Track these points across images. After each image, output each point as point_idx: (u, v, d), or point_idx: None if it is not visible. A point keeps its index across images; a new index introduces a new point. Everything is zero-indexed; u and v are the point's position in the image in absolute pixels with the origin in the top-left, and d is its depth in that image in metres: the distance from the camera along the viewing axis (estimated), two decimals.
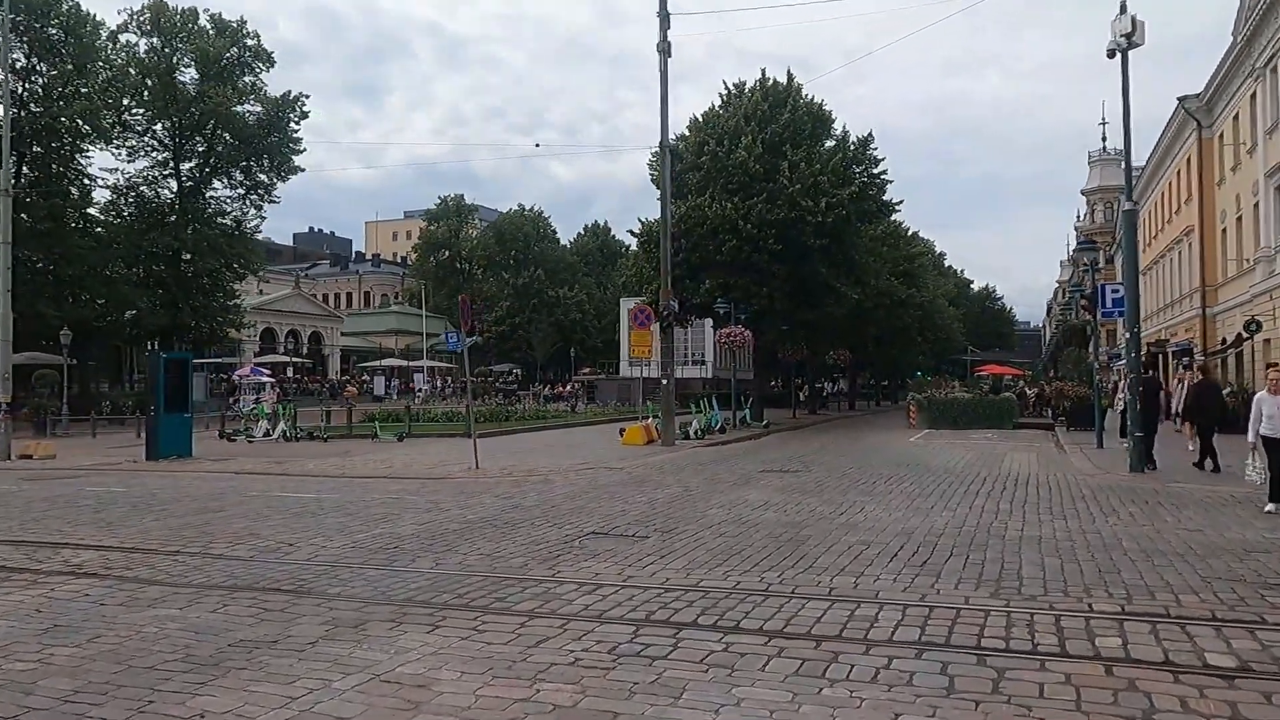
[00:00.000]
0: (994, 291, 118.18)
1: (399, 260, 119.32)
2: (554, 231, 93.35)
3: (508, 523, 10.24)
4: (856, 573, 7.39)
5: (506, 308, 78.93)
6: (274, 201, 48.63)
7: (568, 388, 53.29)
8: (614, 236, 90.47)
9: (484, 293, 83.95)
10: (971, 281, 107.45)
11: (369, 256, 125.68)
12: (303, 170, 48.84)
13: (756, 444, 25.13)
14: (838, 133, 34.73)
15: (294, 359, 53.53)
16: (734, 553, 8.30)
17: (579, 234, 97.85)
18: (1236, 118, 34.47)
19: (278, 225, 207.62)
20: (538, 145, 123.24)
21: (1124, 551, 8.11)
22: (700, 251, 32.71)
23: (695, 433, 26.20)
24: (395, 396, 56.76)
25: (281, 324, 68.61)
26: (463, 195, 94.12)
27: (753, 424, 32.19)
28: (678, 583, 7.07)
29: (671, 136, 36.25)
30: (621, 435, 24.50)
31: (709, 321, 39.04)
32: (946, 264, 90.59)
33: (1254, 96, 31.72)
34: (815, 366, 49.64)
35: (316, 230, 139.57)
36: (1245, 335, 30.78)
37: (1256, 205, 31.64)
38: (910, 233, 55.31)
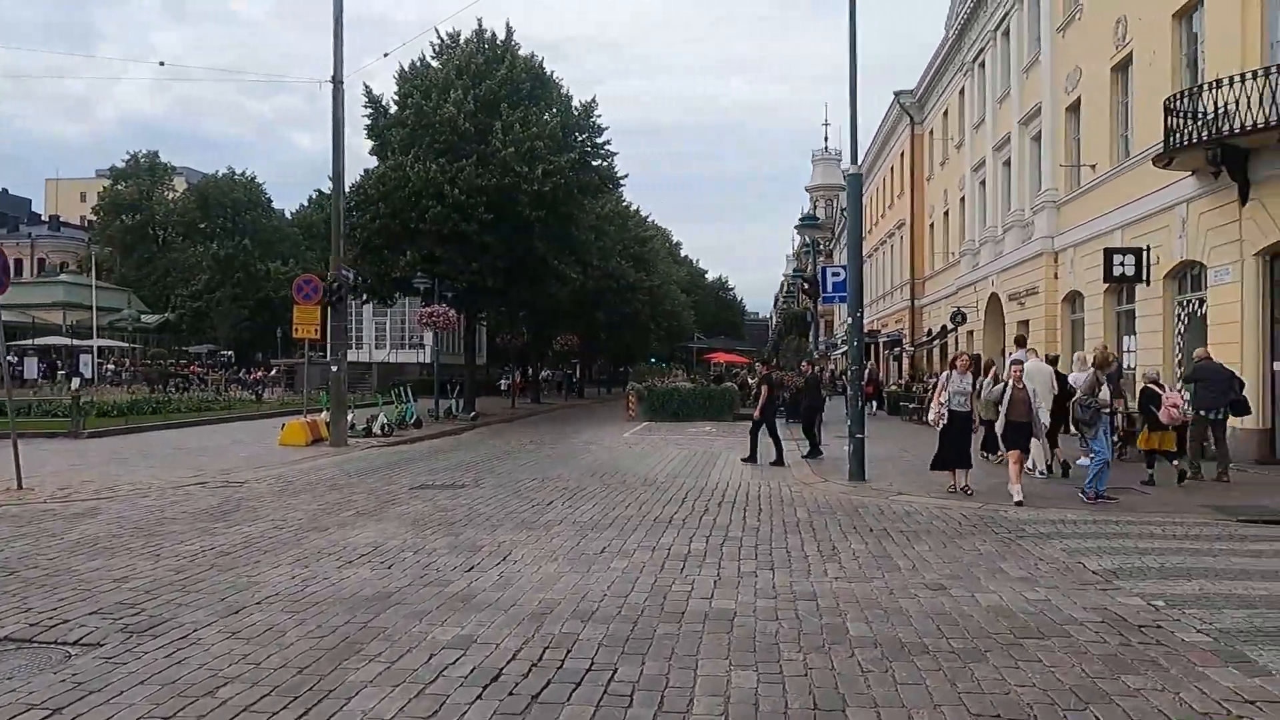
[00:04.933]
0: (726, 281, 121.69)
1: (85, 224, 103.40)
2: (269, 199, 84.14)
3: None
4: None
5: (205, 281, 69.53)
6: None
7: (259, 373, 46.68)
8: None
9: (181, 263, 73.84)
10: (706, 271, 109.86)
11: (46, 218, 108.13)
12: None
13: (449, 442, 21.46)
14: (561, 96, 31.63)
15: None
16: (212, 688, 4.62)
17: (302, 205, 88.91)
18: (946, 113, 35.13)
19: None
20: (161, 64, 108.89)
21: (850, 647, 5.28)
22: (401, 218, 28.43)
23: (382, 428, 22.08)
24: (45, 380, 47.23)
25: None
26: (157, 152, 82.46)
27: (459, 416, 28.50)
28: None
29: (383, 90, 31.82)
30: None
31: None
32: (682, 253, 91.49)
33: (963, 92, 32.17)
34: (540, 351, 46.69)
35: None
36: (950, 327, 31.19)
37: (963, 199, 32.18)
38: (641, 216, 53.79)
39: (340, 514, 10.17)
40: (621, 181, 34.64)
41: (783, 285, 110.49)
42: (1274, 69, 13.32)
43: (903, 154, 41.71)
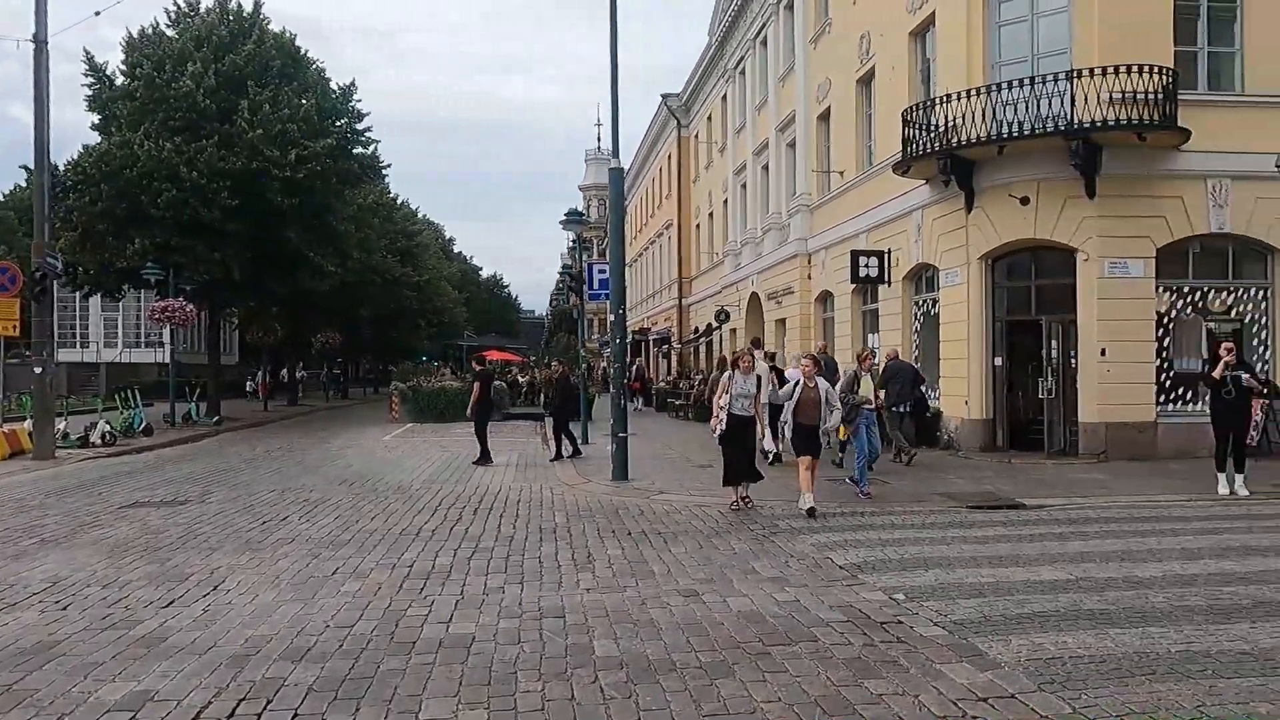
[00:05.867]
0: (501, 279, 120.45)
1: None
2: None
3: None
4: None
5: None
6: None
7: None
8: None
9: None
10: (480, 268, 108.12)
11: None
12: None
13: (184, 451, 19.37)
14: (318, 77, 29.57)
15: None
16: None
17: (18, 185, 78.40)
18: (710, 118, 36.20)
19: None
20: None
21: (594, 670, 4.88)
22: (129, 201, 25.47)
23: (103, 437, 19.61)
24: None
25: None
26: None
27: (200, 421, 25.98)
28: None
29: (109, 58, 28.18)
30: None
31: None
32: (455, 249, 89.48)
33: (725, 98, 33.26)
34: (298, 350, 43.79)
35: None
36: (715, 325, 32.17)
37: (726, 202, 33.27)
38: (410, 209, 51.89)
39: (20, 542, 8.62)
40: (385, 170, 33.03)
41: (558, 283, 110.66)
42: (994, 88, 14.47)
43: (670, 156, 42.64)
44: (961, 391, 15.89)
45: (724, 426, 10.17)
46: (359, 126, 29.85)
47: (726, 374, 10.59)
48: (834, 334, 22.02)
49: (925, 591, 6.43)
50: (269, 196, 26.03)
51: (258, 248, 27.07)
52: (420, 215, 59.18)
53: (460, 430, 23.51)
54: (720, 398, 10.32)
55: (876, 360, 14.99)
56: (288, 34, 29.08)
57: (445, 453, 17.66)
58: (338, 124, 29.12)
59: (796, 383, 10.20)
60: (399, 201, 48.42)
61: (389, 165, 32.57)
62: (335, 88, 29.51)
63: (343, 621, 5.83)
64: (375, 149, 31.23)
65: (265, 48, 27.73)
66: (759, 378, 10.51)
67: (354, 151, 29.91)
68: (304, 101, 27.73)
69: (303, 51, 29.23)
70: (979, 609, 5.95)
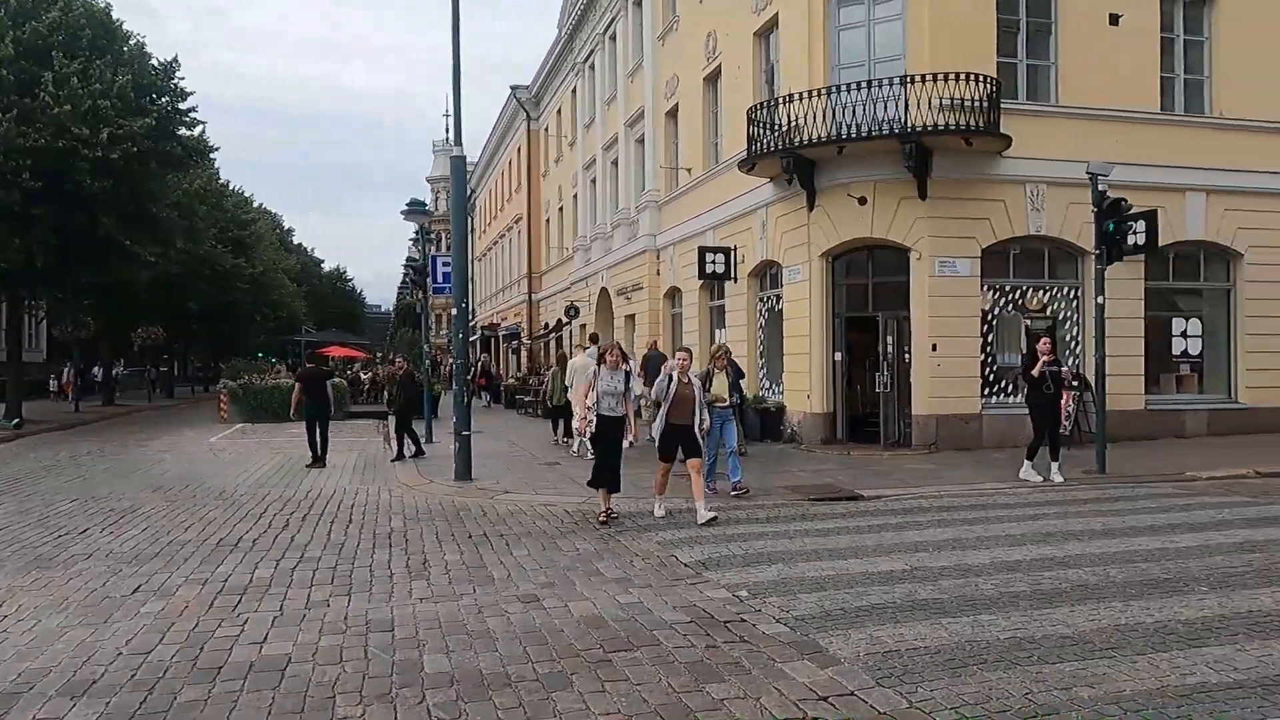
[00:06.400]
0: (345, 272, 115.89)
1: None
2: None
3: None
4: None
5: None
6: None
7: None
8: None
9: None
10: (322, 261, 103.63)
11: None
12: None
13: None
14: (137, 51, 27.32)
15: None
16: None
17: None
18: (560, 111, 35.87)
19: None
20: None
21: (422, 689, 4.52)
22: None
23: None
24: None
25: None
26: None
27: None
28: None
29: None
30: None
31: None
32: (295, 241, 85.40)
33: (575, 92, 33.01)
34: (116, 346, 40.60)
35: None
36: (565, 320, 31.92)
37: (576, 196, 33.06)
38: (244, 196, 49.00)
39: None
40: (213, 153, 31.00)
41: (403, 277, 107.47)
42: (834, 90, 14.84)
43: (520, 149, 42.02)
44: (804, 386, 16.26)
45: (593, 429, 9.31)
46: (183, 106, 27.80)
47: (592, 369, 9.85)
48: (682, 330, 22.17)
49: (768, 587, 6.40)
50: (78, 178, 23.88)
51: (65, 234, 24.79)
52: (255, 204, 56.12)
53: (296, 430, 22.24)
54: (586, 396, 9.47)
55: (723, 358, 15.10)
56: (100, 3, 26.79)
57: (278, 455, 16.66)
58: (158, 102, 27.04)
59: (670, 379, 9.26)
60: (230, 188, 45.64)
61: (218, 148, 30.57)
62: (156, 64, 27.38)
63: (138, 647, 5.22)
64: (202, 131, 29.37)
65: (74, 16, 25.39)
66: (627, 374, 9.53)
67: (177, 133, 27.89)
68: (119, 77, 25.55)
69: (118, 23, 26.97)
70: (819, 603, 5.96)
